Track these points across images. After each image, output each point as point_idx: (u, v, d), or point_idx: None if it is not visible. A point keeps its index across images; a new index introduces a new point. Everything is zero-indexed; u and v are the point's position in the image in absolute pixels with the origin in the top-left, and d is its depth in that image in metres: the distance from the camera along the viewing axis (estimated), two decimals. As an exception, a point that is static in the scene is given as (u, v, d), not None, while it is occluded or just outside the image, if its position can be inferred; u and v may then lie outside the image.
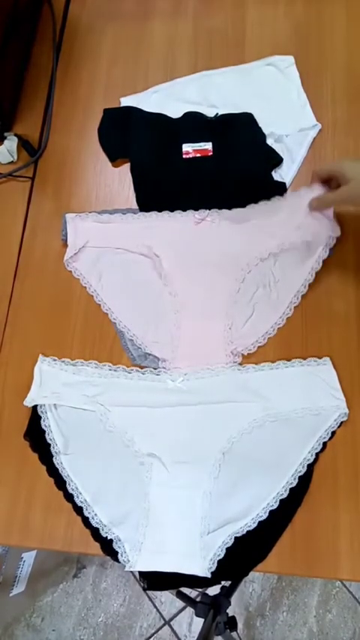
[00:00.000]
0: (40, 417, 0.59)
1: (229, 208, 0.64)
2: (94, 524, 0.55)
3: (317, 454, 0.55)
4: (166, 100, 0.72)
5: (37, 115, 0.76)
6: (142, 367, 0.61)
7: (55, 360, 0.61)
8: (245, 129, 0.68)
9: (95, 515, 0.55)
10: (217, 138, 0.68)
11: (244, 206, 0.64)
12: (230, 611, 0.83)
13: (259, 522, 0.53)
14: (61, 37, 0.81)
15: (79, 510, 0.55)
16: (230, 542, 0.52)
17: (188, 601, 0.91)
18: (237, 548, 0.52)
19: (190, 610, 1.19)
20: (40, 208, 0.71)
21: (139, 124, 0.70)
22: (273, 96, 0.71)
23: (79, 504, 0.55)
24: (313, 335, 0.61)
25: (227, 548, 0.52)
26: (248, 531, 0.53)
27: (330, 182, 0.59)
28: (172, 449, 0.56)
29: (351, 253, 0.63)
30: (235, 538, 0.53)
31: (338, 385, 0.56)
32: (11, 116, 0.76)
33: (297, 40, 0.74)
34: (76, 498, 0.55)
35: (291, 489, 0.54)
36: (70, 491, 0.56)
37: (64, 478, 0.56)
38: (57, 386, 0.59)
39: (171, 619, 1.22)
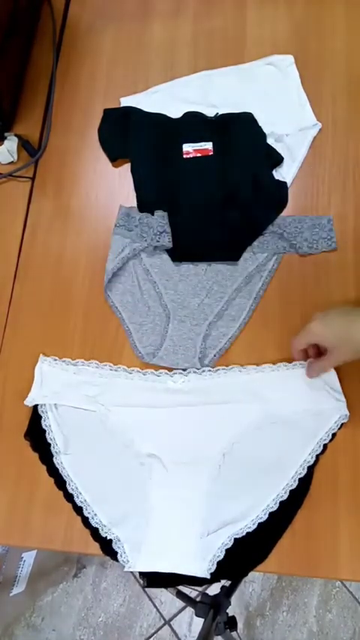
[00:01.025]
0: (40, 417, 0.59)
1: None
2: (94, 524, 0.55)
3: (317, 456, 0.54)
4: (166, 100, 0.72)
5: (37, 115, 0.76)
6: (145, 367, 0.61)
7: (55, 359, 0.61)
8: (245, 128, 0.68)
9: (95, 515, 0.55)
10: (218, 137, 0.68)
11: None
12: (230, 611, 0.83)
13: (259, 524, 0.53)
14: (61, 37, 0.81)
15: (79, 510, 0.55)
16: (230, 544, 0.52)
17: (188, 601, 0.91)
18: (237, 549, 0.52)
19: (190, 610, 1.19)
20: (40, 208, 0.71)
21: (139, 124, 0.70)
22: (273, 95, 0.71)
23: (79, 504, 0.55)
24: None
25: (227, 549, 0.52)
26: (248, 533, 0.53)
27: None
28: (173, 449, 0.56)
29: (351, 253, 0.63)
30: (235, 539, 0.53)
31: (339, 386, 0.56)
32: (11, 116, 0.76)
33: (297, 40, 0.73)
34: (76, 498, 0.55)
35: (291, 491, 0.53)
36: (70, 491, 0.56)
37: (64, 478, 0.56)
38: (57, 386, 0.59)
39: (171, 619, 1.22)
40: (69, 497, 0.56)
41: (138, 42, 0.78)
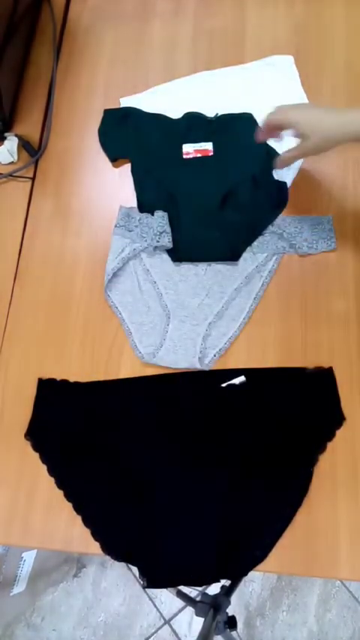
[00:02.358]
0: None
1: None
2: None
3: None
4: (166, 100, 0.72)
5: (37, 115, 0.76)
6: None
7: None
8: (245, 129, 0.68)
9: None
10: (218, 138, 0.68)
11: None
12: (230, 611, 0.83)
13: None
14: (61, 37, 0.81)
15: (79, 509, 0.55)
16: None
17: (188, 600, 0.91)
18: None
19: (190, 609, 1.19)
20: (40, 208, 0.71)
21: (139, 124, 0.70)
22: (273, 96, 0.71)
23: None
24: (313, 336, 0.61)
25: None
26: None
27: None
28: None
29: (350, 253, 0.63)
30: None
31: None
32: (11, 116, 0.76)
33: (297, 40, 0.74)
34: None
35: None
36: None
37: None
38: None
39: (171, 618, 1.22)
40: (69, 496, 0.56)
41: (138, 42, 0.78)
